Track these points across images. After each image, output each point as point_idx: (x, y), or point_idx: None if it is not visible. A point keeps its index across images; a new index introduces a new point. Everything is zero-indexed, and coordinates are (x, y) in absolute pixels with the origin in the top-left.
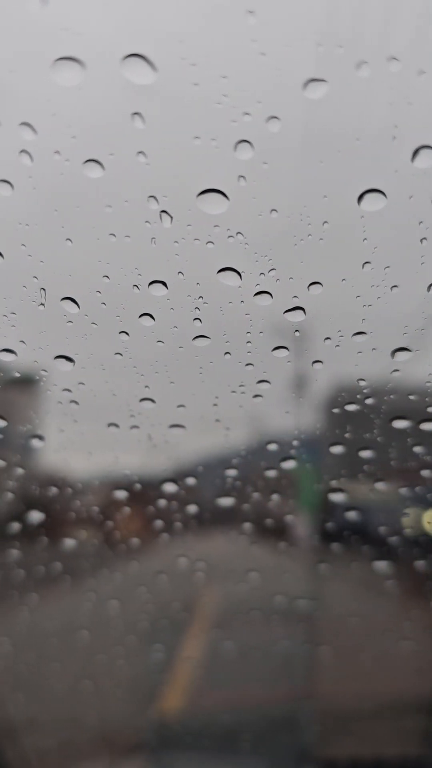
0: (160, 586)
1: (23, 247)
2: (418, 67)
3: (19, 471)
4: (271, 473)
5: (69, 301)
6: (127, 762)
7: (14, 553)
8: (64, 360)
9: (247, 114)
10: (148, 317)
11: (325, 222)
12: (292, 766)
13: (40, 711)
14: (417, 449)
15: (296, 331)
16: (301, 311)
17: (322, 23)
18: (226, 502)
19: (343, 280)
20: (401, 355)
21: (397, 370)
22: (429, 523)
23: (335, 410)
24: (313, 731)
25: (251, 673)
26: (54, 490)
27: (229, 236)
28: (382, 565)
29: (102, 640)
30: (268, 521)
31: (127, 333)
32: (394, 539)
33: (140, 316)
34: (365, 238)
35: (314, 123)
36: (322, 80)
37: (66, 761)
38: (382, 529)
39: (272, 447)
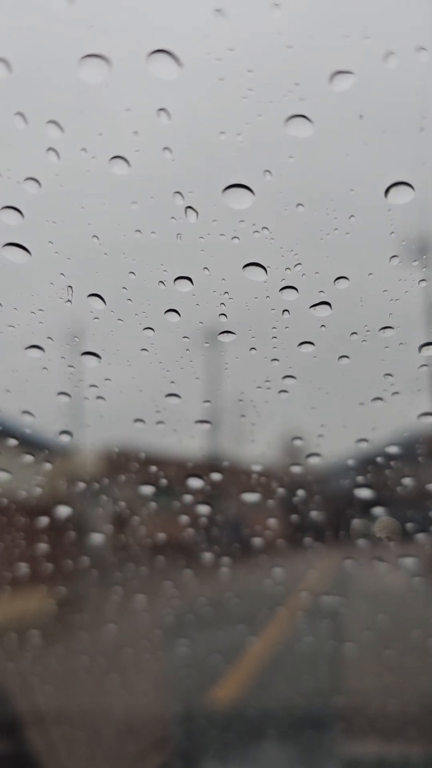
0: None
1: (50, 245)
2: None
3: (47, 466)
4: None
5: (95, 298)
6: (153, 754)
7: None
8: (90, 356)
9: (272, 108)
10: (173, 313)
11: (352, 216)
12: (316, 763)
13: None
14: None
15: (322, 326)
16: (327, 306)
17: (348, 14)
18: None
19: (370, 274)
20: (429, 350)
21: (425, 365)
22: None
23: None
24: (338, 728)
25: None
26: None
27: (255, 231)
28: None
29: None
30: None
31: (152, 329)
32: None
33: (166, 311)
34: (392, 232)
35: (341, 115)
36: (349, 72)
37: (93, 752)
38: None
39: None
